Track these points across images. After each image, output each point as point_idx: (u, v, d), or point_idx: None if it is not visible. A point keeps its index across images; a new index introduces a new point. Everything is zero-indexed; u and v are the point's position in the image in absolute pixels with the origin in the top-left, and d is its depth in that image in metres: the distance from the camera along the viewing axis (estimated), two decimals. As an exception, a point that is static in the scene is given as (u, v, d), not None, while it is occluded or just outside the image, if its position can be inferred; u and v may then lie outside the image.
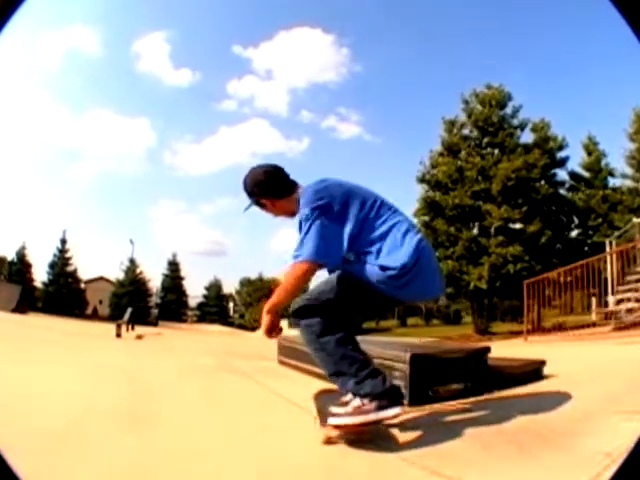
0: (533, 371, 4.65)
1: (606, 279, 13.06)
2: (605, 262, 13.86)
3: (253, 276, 55.42)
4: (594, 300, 13.76)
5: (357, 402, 2.76)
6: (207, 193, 64.03)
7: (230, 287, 54.27)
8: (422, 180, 26.63)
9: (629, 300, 12.09)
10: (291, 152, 62.02)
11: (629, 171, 27.63)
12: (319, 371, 4.37)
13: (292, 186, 3.22)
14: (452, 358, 4.16)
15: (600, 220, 25.57)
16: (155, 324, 32.13)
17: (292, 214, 3.17)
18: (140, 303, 37.67)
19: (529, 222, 24.18)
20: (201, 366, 6.52)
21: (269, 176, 3.21)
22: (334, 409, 2.84)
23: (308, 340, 2.93)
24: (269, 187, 3.18)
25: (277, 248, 63.09)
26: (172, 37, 61.10)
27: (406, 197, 28.34)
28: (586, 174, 28.26)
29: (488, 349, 4.36)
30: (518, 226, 24.81)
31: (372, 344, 4.05)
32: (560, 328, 13.16)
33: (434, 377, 3.83)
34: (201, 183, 57.63)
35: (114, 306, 38.43)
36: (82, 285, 43.46)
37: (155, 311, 41.38)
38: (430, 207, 25.73)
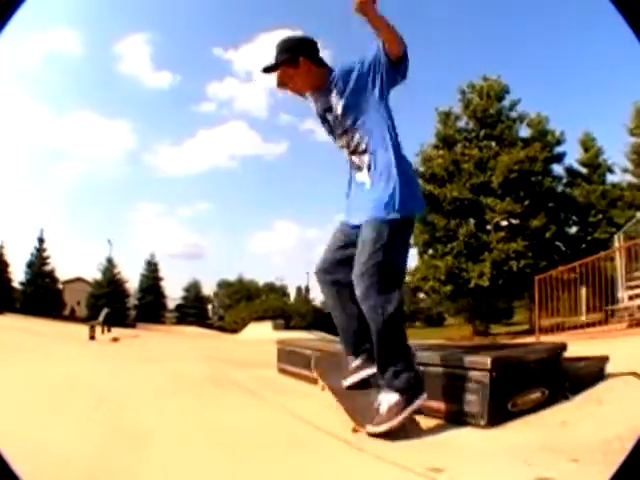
0: (598, 370, 4.01)
1: (608, 276, 12.55)
2: (608, 259, 13.76)
3: (231, 278, 55.58)
4: (583, 298, 13.53)
5: (387, 401, 2.72)
6: (186, 196, 63.80)
7: (208, 289, 54.07)
8: (415, 173, 25.51)
9: (637, 296, 11.94)
10: (269, 155, 62.92)
11: (630, 166, 27.13)
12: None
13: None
14: (534, 360, 3.37)
15: (600, 216, 24.91)
16: (133, 326, 31.54)
17: (314, 89, 3.11)
18: (117, 304, 36.47)
19: (533, 216, 23.33)
20: (188, 378, 5.22)
21: (315, 41, 3.16)
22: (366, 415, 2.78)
23: (374, 322, 2.76)
24: (315, 49, 3.10)
25: (256, 251, 63.43)
26: (153, 39, 60.85)
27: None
28: (584, 170, 27.60)
29: (564, 347, 3.65)
30: (517, 221, 23.97)
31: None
32: (560, 328, 12.34)
33: (514, 386, 3.09)
34: (180, 186, 57.69)
35: (91, 307, 37.12)
36: (60, 286, 42.18)
37: (133, 312, 40.79)
38: (427, 201, 24.76)
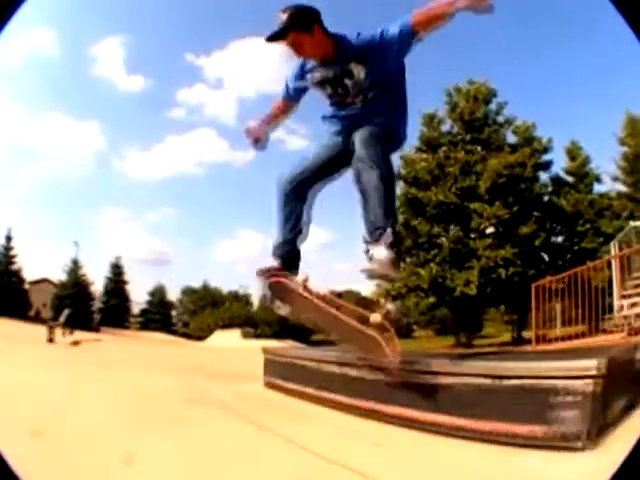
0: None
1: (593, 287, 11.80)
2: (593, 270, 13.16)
3: (195, 285, 55.28)
4: (558, 311, 13.33)
5: (381, 254, 2.96)
6: (153, 201, 63.85)
7: (173, 296, 53.46)
8: (398, 176, 24.51)
9: (634, 305, 11.63)
10: (237, 162, 63.28)
11: (620, 175, 26.61)
12: (338, 398, 3.46)
13: None
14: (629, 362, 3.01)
15: (588, 225, 24.25)
16: (97, 330, 30.73)
17: (319, 54, 3.17)
18: (82, 307, 35.79)
19: (522, 223, 22.61)
20: (160, 395, 4.17)
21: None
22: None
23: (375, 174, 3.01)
24: (321, 19, 3.14)
25: (220, 258, 63.40)
26: (128, 42, 60.29)
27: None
28: (570, 179, 26.90)
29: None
30: (505, 228, 23.08)
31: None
32: (542, 339, 11.79)
33: (614, 394, 2.55)
34: (148, 191, 57.18)
35: (56, 309, 35.64)
36: (26, 286, 41.18)
37: (97, 316, 40.22)
38: (410, 205, 23.79)
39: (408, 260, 24.83)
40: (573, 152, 27.26)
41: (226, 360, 9.91)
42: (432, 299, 23.11)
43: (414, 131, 25.70)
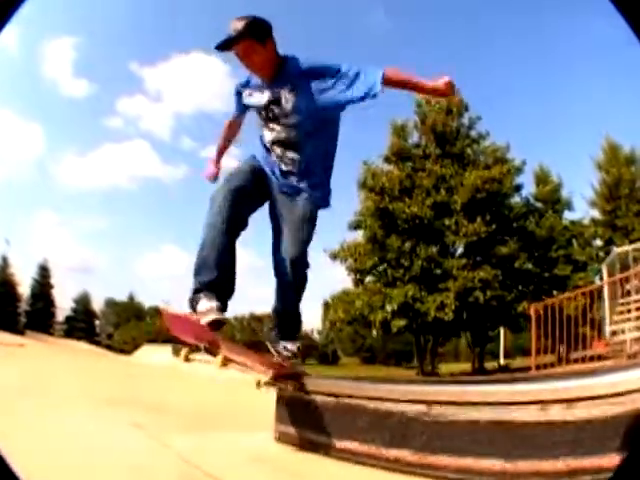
0: None
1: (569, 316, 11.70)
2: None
3: (119, 297, 55.74)
4: (502, 341, 12.94)
5: (289, 346, 3.24)
6: (81, 208, 63.95)
7: (97, 306, 53.88)
8: (364, 186, 23.00)
9: (623, 331, 11.42)
10: (167, 178, 63.27)
11: (598, 201, 26.13)
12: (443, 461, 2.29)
13: None
14: None
15: (562, 252, 23.23)
16: (22, 333, 30.29)
17: (266, 70, 2.95)
18: (8, 307, 35.94)
19: (501, 243, 21.44)
20: (114, 470, 2.16)
21: None
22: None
23: (299, 285, 3.25)
24: (273, 35, 2.97)
25: (144, 272, 65.82)
26: (79, 44, 60.56)
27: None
28: (539, 204, 25.78)
29: None
30: (482, 246, 21.72)
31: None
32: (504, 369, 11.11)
33: None
34: (79, 198, 58.79)
35: (-20, 306, 36.17)
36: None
37: (23, 319, 40.00)
38: (379, 217, 22.26)
39: (369, 279, 23.30)
40: (542, 177, 26.35)
41: (178, 385, 7.99)
42: (403, 321, 21.26)
43: (380, 142, 24.63)
